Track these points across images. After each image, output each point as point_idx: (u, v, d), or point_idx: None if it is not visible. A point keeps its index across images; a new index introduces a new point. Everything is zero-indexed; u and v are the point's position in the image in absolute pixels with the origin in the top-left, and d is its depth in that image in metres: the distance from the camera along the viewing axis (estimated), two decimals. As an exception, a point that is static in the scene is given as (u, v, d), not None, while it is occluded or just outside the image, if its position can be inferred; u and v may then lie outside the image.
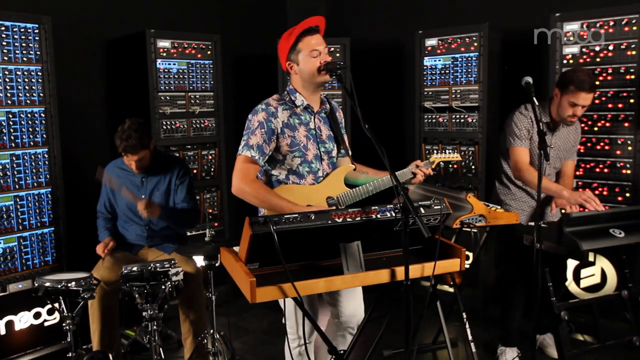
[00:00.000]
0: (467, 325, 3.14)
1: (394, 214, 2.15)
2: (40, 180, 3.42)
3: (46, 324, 3.48)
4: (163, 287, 2.72)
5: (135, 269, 2.67)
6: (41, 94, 3.39)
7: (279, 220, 2.00)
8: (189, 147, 4.31)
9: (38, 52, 3.35)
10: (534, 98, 2.88)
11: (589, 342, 3.53)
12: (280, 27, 5.28)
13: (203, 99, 4.35)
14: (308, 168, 2.56)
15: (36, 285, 2.60)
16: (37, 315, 3.43)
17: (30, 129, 3.36)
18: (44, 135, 3.42)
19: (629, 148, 3.49)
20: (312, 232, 2.06)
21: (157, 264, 2.70)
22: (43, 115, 3.41)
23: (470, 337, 3.14)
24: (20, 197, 3.35)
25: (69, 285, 2.56)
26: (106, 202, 3.40)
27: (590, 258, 3.65)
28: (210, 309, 2.98)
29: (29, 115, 3.35)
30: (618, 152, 3.54)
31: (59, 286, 2.55)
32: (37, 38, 3.34)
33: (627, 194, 3.51)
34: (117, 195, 3.30)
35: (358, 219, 2.11)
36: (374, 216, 2.13)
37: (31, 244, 3.40)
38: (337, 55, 4.69)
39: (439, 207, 2.24)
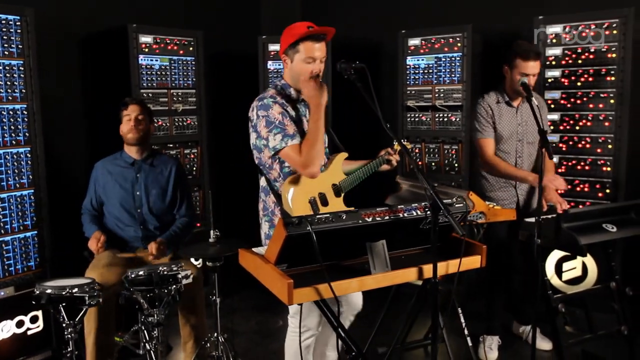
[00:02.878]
0: (463, 320, 3.21)
1: (419, 213, 2.17)
2: (22, 181, 3.24)
3: (29, 332, 3.29)
4: (167, 291, 2.63)
5: (141, 272, 2.57)
6: (23, 90, 3.21)
7: (312, 221, 1.98)
8: (171, 145, 4.18)
9: (20, 46, 3.17)
10: (533, 98, 2.99)
11: (574, 333, 3.67)
12: (255, 26, 5.25)
13: (185, 96, 4.24)
14: None
15: (37, 292, 2.45)
16: (20, 324, 3.25)
17: (12, 127, 3.18)
18: (27, 134, 3.24)
19: (609, 146, 3.66)
20: (342, 232, 2.05)
21: (165, 267, 2.61)
22: (25, 113, 3.22)
23: (466, 332, 3.22)
24: (2, 199, 3.16)
25: (73, 291, 2.44)
26: (93, 200, 3.26)
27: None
28: (214, 312, 2.91)
29: (10, 112, 3.16)
30: (599, 150, 3.70)
31: (63, 293, 2.42)
32: (19, 31, 3.16)
33: (607, 190, 3.68)
34: (110, 194, 3.18)
35: (387, 218, 2.12)
36: (401, 215, 2.15)
37: (13, 249, 3.21)
38: (319, 53, 4.67)
39: (461, 204, 2.28)
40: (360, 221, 2.06)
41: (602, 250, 3.18)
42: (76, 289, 2.45)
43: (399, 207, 2.16)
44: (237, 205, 4.56)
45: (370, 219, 2.08)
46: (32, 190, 3.29)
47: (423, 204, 2.21)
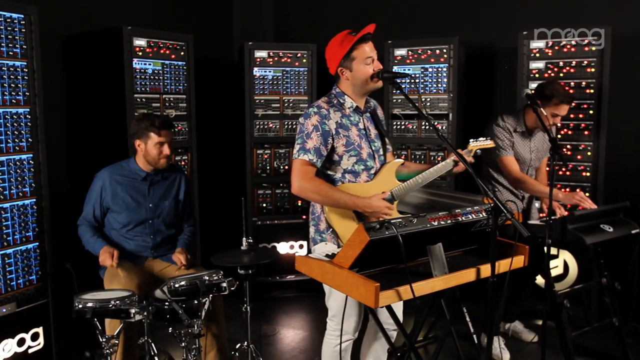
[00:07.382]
0: (469, 319, 3.36)
1: (474, 216, 2.29)
2: (25, 189, 3.04)
3: (30, 351, 3.09)
4: (203, 300, 2.58)
5: (183, 282, 2.51)
6: (27, 93, 3.02)
7: (393, 225, 2.04)
8: (162, 152, 4.06)
9: (24, 46, 2.98)
10: (542, 109, 3.20)
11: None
12: (228, 33, 5.18)
13: (176, 101, 4.14)
14: (363, 166, 2.63)
15: (79, 306, 2.32)
16: (21, 342, 3.04)
17: (16, 132, 2.98)
18: (29, 140, 3.05)
19: (589, 153, 3.97)
20: (409, 236, 2.11)
21: (206, 276, 2.56)
22: (29, 117, 3.03)
23: (472, 330, 3.36)
24: (4, 209, 2.95)
25: (118, 304, 2.34)
26: (97, 210, 3.12)
27: (554, 251, 4.08)
28: (244, 320, 2.88)
29: (13, 116, 2.96)
30: (579, 157, 4.00)
31: (109, 306, 2.31)
32: (22, 30, 2.97)
33: (587, 194, 3.98)
34: (119, 205, 3.06)
35: (449, 222, 2.21)
36: (460, 219, 2.25)
37: (15, 262, 3.01)
38: (304, 61, 4.73)
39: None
40: (428, 225, 2.14)
41: (593, 248, 3.45)
42: (119, 302, 2.35)
43: (456, 211, 2.26)
44: (225, 211, 4.50)
45: (435, 223, 2.17)
46: (35, 200, 3.09)
47: (475, 207, 2.33)
